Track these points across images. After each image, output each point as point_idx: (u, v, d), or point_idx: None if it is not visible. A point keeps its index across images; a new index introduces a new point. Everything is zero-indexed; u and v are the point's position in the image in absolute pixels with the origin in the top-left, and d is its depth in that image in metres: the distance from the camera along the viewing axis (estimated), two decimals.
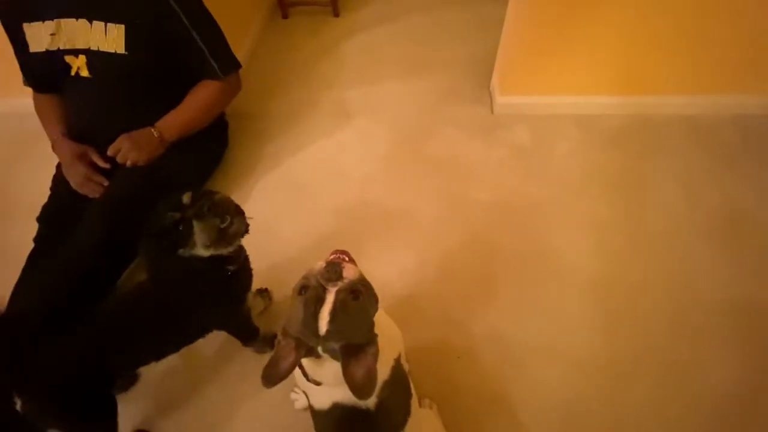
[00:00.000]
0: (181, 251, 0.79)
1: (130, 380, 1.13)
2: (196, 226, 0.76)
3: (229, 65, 1.39)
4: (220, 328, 1.03)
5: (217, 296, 0.90)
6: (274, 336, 1.18)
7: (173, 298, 0.87)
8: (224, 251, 0.83)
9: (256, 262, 1.24)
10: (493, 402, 1.06)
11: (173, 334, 0.94)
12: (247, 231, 0.89)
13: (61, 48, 1.22)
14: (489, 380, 1.09)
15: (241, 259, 0.91)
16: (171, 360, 1.14)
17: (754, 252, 1.26)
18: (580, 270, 1.26)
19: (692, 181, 1.44)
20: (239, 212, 0.87)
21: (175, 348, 0.98)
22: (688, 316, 1.16)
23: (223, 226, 0.79)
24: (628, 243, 1.31)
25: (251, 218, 0.91)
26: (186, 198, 0.79)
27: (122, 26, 1.19)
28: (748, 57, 1.48)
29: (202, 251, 0.80)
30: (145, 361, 0.96)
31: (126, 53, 1.21)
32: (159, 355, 0.96)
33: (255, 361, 1.16)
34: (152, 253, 0.82)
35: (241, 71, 1.46)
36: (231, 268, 0.88)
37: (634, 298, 1.20)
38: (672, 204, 1.38)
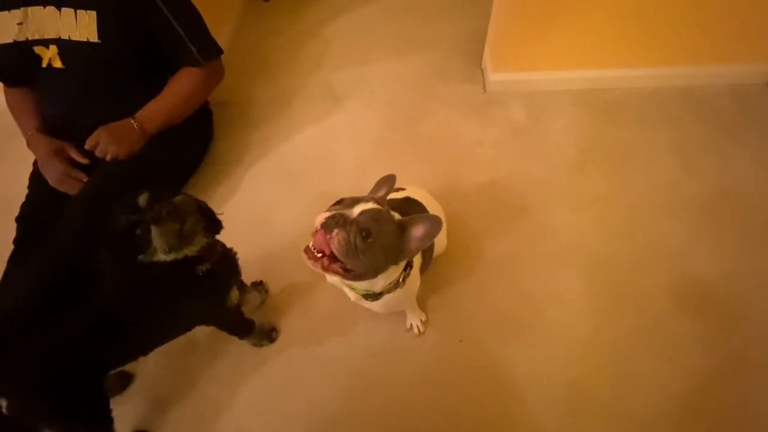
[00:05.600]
0: (141, 257, 0.73)
1: (124, 381, 1.11)
2: (154, 232, 0.71)
3: (210, 51, 1.33)
4: (205, 324, 0.99)
5: (189, 299, 0.86)
6: (272, 329, 1.15)
7: (140, 308, 0.83)
8: (188, 252, 0.78)
9: (250, 253, 1.21)
10: (498, 384, 1.05)
11: (153, 332, 0.91)
12: (218, 228, 0.85)
13: (30, 38, 1.16)
14: (492, 362, 1.08)
15: (215, 256, 0.86)
16: (165, 357, 1.12)
17: (755, 224, 1.24)
18: (581, 247, 1.24)
19: (690, 154, 1.41)
20: (205, 211, 0.82)
21: (160, 343, 0.95)
22: (687, 291, 1.14)
23: (183, 229, 0.74)
24: (627, 218, 1.29)
25: (221, 213, 0.87)
26: (143, 200, 0.73)
27: (93, 13, 1.13)
28: (741, 25, 1.44)
29: (163, 257, 0.74)
30: (131, 357, 0.93)
31: (99, 41, 1.14)
32: (143, 351, 0.93)
33: (251, 354, 1.14)
34: (109, 261, 0.75)
35: (223, 57, 1.40)
36: (202, 268, 0.82)
37: (635, 274, 1.18)
38: (671, 177, 1.36)
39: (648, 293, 1.15)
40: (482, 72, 1.73)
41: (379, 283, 0.79)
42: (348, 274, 0.71)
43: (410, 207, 0.97)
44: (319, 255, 0.69)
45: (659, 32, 1.47)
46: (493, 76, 1.64)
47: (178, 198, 0.77)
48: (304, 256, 0.70)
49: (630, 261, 1.21)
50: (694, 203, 1.30)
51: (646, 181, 1.36)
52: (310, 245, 0.70)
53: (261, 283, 1.22)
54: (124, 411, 1.06)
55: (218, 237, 0.89)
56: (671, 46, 1.51)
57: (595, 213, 1.31)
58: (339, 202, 0.74)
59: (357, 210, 0.69)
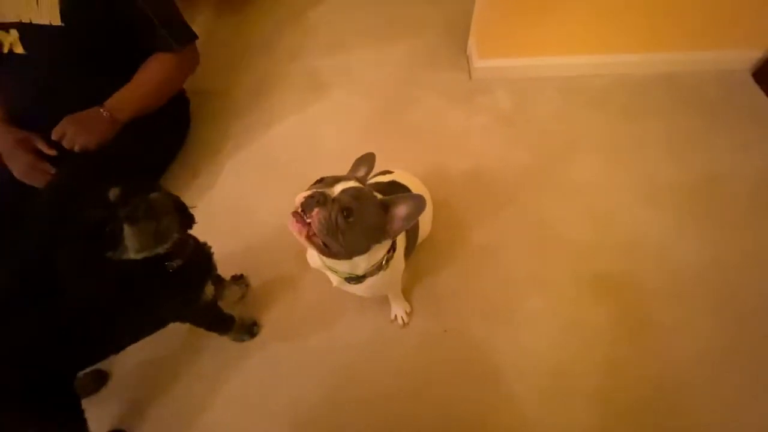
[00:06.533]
0: (109, 254, 0.69)
1: (99, 380, 1.07)
2: (128, 232, 0.67)
3: (184, 36, 1.27)
4: (179, 321, 0.96)
5: (160, 296, 0.82)
6: (253, 323, 1.13)
7: (108, 305, 0.79)
8: (160, 250, 0.74)
9: (230, 247, 1.18)
10: (483, 373, 1.04)
11: (123, 330, 0.87)
12: (191, 222, 0.81)
13: None
14: (477, 352, 1.07)
15: (186, 252, 0.82)
16: (141, 354, 1.09)
17: (739, 210, 1.24)
18: (567, 235, 1.23)
19: (675, 141, 1.41)
20: (180, 207, 0.78)
21: (132, 341, 0.91)
22: (671, 277, 1.14)
23: (159, 229, 0.70)
24: (613, 206, 1.28)
25: (194, 207, 0.83)
26: (113, 195, 0.68)
27: None
28: (726, 12, 1.43)
29: (133, 256, 0.70)
30: (102, 356, 0.89)
31: (63, 25, 1.08)
32: (114, 350, 0.89)
33: (233, 349, 1.11)
34: (75, 258, 0.71)
35: (198, 43, 1.34)
36: (173, 264, 0.79)
37: (621, 261, 1.18)
38: (656, 165, 1.35)
39: (633, 280, 1.15)
40: (468, 58, 1.70)
41: (361, 265, 0.77)
42: (328, 251, 0.68)
43: (396, 190, 0.95)
44: (308, 221, 0.65)
45: (645, 18, 1.45)
46: (479, 63, 1.60)
47: (154, 195, 0.72)
48: (291, 220, 0.66)
49: (616, 248, 1.20)
50: (680, 191, 1.30)
51: (633, 168, 1.35)
52: (299, 209, 0.67)
53: (241, 276, 1.19)
54: (99, 410, 1.03)
55: (199, 230, 0.86)
56: (657, 32, 1.50)
57: (581, 201, 1.30)
58: (320, 181, 0.71)
59: (338, 188, 0.67)
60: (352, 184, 0.68)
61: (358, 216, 0.65)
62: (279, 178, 1.43)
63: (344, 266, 0.77)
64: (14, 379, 0.75)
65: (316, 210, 0.64)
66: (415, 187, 1.02)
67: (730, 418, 0.96)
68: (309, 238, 0.66)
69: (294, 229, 0.66)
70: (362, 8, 1.97)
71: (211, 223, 0.91)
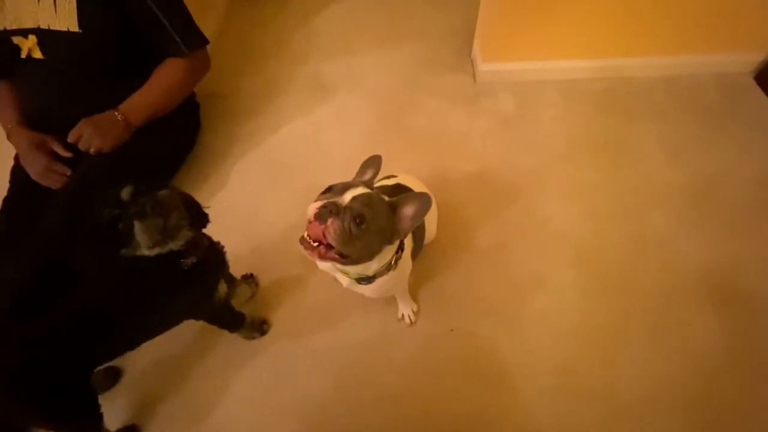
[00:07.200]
0: (123, 251, 0.72)
1: (113, 377, 1.09)
2: (138, 227, 0.70)
3: (195, 41, 1.30)
4: (193, 318, 0.98)
5: (175, 294, 0.85)
6: (263, 321, 1.15)
7: (124, 302, 0.81)
8: (173, 247, 0.77)
9: (240, 247, 1.20)
10: (489, 372, 1.06)
11: (139, 327, 0.89)
12: (204, 221, 0.84)
13: (8, 28, 1.13)
14: (483, 351, 1.09)
15: (200, 250, 0.84)
16: (153, 352, 1.12)
17: (739, 212, 1.26)
18: (569, 236, 1.25)
19: (677, 144, 1.42)
20: (191, 205, 0.81)
21: (147, 338, 0.93)
22: (673, 277, 1.16)
23: (167, 224, 0.73)
24: (616, 208, 1.30)
25: (208, 207, 0.85)
26: (126, 194, 0.71)
27: (73, 1, 1.10)
28: (727, 15, 1.45)
29: (146, 252, 0.73)
30: (118, 353, 0.92)
31: (80, 31, 1.12)
32: (130, 346, 0.91)
33: (242, 347, 1.13)
34: (90, 255, 0.74)
35: (209, 48, 1.38)
36: (187, 262, 0.81)
37: (623, 262, 1.20)
38: (657, 167, 1.37)
39: (635, 280, 1.16)
40: (472, 62, 1.73)
41: (372, 266, 0.79)
42: (345, 260, 0.71)
43: (401, 193, 0.97)
44: (315, 244, 0.68)
45: (646, 22, 1.47)
46: (483, 67, 1.63)
47: (162, 192, 0.75)
48: (301, 247, 0.69)
49: (618, 249, 1.22)
50: (681, 193, 1.31)
51: (634, 170, 1.37)
52: (305, 235, 0.70)
53: (251, 276, 1.21)
54: (113, 407, 1.06)
55: (209, 231, 0.88)
56: (658, 36, 1.52)
57: (583, 202, 1.31)
58: (329, 190, 0.73)
59: (348, 196, 0.69)
60: (361, 190, 0.71)
61: (371, 221, 0.68)
62: (286, 180, 1.46)
63: (356, 268, 0.79)
64: (33, 376, 0.77)
65: (330, 220, 0.66)
66: (419, 189, 1.04)
67: (731, 417, 0.97)
68: (323, 257, 0.69)
69: (306, 254, 0.69)
70: (367, 13, 2.01)
71: (221, 223, 0.93)
